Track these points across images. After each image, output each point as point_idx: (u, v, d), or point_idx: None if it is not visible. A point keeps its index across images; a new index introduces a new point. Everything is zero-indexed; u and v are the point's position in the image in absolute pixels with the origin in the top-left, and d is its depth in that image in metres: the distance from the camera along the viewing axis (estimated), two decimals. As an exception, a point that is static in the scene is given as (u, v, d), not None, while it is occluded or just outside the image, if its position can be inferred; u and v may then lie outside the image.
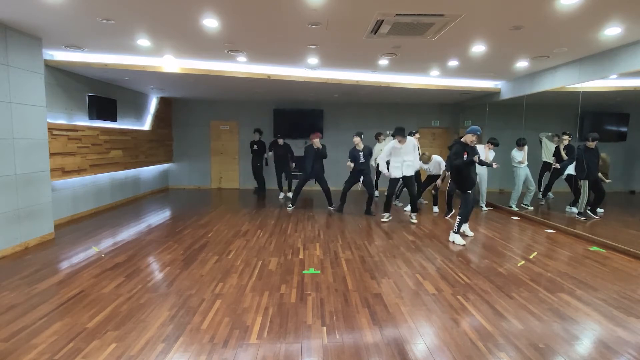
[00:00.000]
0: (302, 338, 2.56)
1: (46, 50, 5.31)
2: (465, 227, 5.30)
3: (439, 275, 3.78)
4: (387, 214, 6.31)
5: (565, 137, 7.12)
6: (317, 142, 6.97)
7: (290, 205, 7.33)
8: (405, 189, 6.49)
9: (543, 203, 7.72)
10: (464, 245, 4.83)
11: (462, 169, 4.83)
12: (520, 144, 7.10)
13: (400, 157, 6.01)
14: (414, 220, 6.16)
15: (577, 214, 6.51)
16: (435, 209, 7.21)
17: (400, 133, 5.96)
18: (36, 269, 3.82)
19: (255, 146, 8.89)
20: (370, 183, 6.91)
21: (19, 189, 4.45)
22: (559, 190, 7.75)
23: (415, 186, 6.18)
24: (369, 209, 6.89)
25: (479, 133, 4.91)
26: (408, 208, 6.89)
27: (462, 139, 4.92)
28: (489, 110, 8.49)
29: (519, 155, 7.07)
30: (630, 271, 3.98)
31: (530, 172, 7.16)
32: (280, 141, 8.50)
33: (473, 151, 4.88)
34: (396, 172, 6.06)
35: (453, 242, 4.94)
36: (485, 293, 3.35)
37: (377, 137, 8.44)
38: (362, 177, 6.82)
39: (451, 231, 5.06)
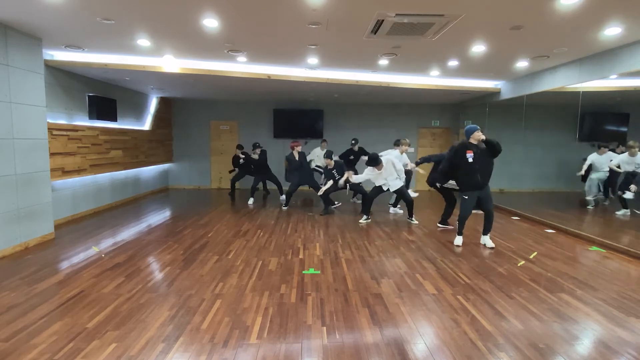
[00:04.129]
0: (302, 338, 2.56)
1: (46, 50, 5.30)
2: (486, 240, 4.89)
3: (439, 275, 3.78)
4: (365, 216, 6.28)
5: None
6: (297, 151, 7.22)
7: (284, 206, 7.38)
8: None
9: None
10: (459, 246, 4.82)
11: (459, 167, 4.74)
12: (604, 148, 6.61)
13: (383, 178, 6.11)
14: (415, 222, 6.17)
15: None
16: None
17: (374, 163, 5.94)
18: (36, 269, 3.82)
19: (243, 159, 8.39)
20: (357, 186, 6.80)
21: (19, 189, 4.45)
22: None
23: (408, 193, 6.18)
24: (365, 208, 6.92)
25: (478, 127, 4.71)
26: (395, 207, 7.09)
27: (470, 140, 4.64)
28: (489, 110, 8.49)
29: (604, 160, 6.59)
30: (630, 271, 3.98)
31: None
32: (258, 150, 8.06)
33: (478, 149, 4.61)
34: (384, 187, 6.17)
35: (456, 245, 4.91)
36: (485, 293, 3.35)
37: (322, 144, 8.64)
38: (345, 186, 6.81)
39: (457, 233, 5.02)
